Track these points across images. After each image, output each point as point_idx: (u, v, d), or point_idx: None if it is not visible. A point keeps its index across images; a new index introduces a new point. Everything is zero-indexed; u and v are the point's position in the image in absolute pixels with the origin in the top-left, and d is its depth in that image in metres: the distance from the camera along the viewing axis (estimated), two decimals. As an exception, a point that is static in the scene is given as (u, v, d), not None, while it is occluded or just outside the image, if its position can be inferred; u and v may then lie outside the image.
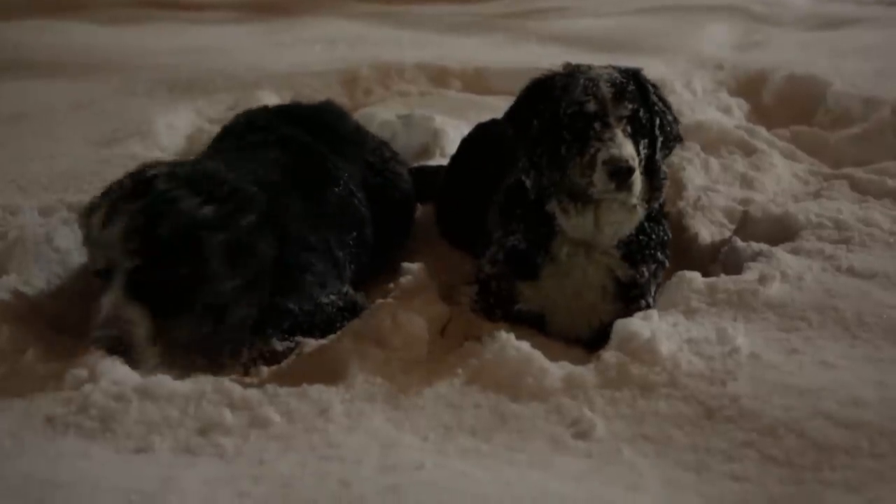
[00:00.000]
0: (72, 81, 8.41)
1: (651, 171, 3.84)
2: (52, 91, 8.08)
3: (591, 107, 3.72)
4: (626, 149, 3.64)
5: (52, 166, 5.88)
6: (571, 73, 3.87)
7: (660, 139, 3.82)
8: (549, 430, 3.11)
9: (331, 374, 3.40)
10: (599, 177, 3.65)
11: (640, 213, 3.88)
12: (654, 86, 3.93)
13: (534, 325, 4.01)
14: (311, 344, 3.76)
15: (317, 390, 3.24)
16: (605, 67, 3.86)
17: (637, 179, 3.66)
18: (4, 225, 4.65)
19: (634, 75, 3.85)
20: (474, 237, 4.51)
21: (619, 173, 3.61)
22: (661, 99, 3.93)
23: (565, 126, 3.78)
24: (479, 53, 9.57)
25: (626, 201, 3.75)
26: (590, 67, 3.87)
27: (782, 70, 8.07)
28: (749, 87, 8.08)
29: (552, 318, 4.02)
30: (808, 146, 6.26)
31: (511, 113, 4.06)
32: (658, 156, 3.83)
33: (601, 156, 3.64)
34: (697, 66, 8.67)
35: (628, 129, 3.72)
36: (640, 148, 3.75)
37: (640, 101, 3.78)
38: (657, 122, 3.81)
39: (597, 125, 3.71)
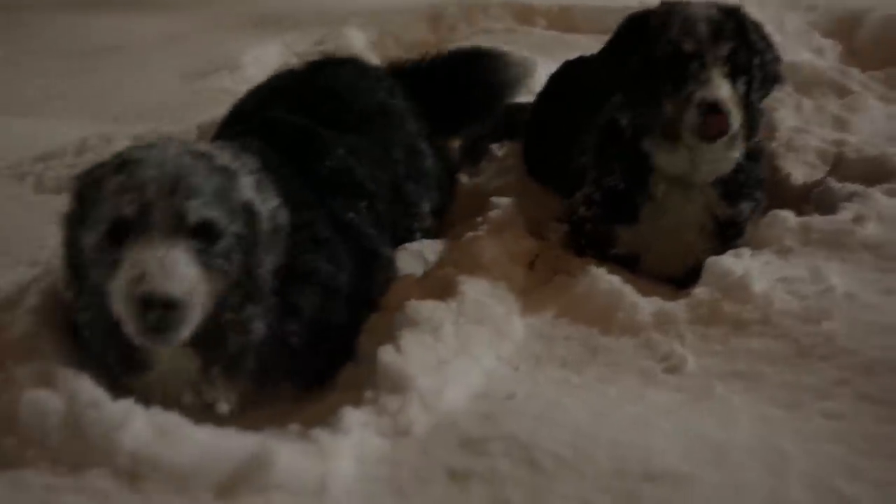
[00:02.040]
0: (162, 16, 8.56)
1: (747, 109, 3.77)
2: (143, 25, 8.24)
3: (688, 46, 3.65)
4: (722, 91, 3.58)
5: (144, 97, 6.03)
6: (668, 11, 3.81)
7: (757, 78, 3.76)
8: (640, 364, 3.13)
9: (439, 292, 3.43)
10: (692, 119, 3.60)
11: (738, 150, 3.81)
12: (755, 23, 3.84)
13: (627, 266, 3.96)
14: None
15: (428, 307, 3.26)
16: (704, 4, 3.78)
17: (734, 119, 3.60)
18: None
19: (734, 12, 3.76)
20: (560, 175, 4.49)
21: (714, 116, 3.57)
22: (763, 37, 3.84)
23: (661, 65, 3.72)
24: (565, -9, 9.46)
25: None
26: (688, 4, 3.80)
27: (878, 11, 7.82)
28: (842, 29, 7.87)
29: (647, 260, 3.97)
30: (904, 89, 6.12)
31: (607, 50, 4.01)
32: (754, 95, 3.77)
33: (695, 98, 3.59)
34: (789, 7, 8.46)
35: (726, 69, 3.65)
36: (738, 86, 3.68)
37: (738, 40, 3.70)
38: (755, 60, 3.74)
39: (693, 66, 3.65)
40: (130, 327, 2.68)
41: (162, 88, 6.27)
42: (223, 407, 3.01)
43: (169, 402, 2.93)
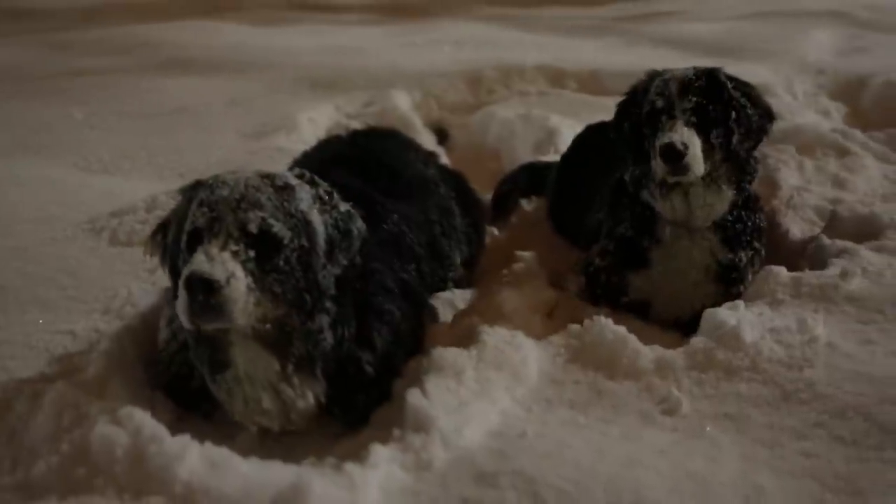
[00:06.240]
0: (226, 79, 8.76)
1: (732, 159, 3.95)
2: (208, 87, 8.44)
3: (660, 103, 3.89)
4: (678, 135, 3.76)
5: (207, 156, 6.22)
6: (652, 77, 4.05)
7: (738, 131, 3.91)
8: (640, 406, 3.26)
9: (463, 340, 3.59)
10: (657, 161, 3.82)
11: (729, 195, 3.98)
12: (737, 81, 4.02)
13: (638, 312, 4.11)
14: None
15: (452, 353, 3.42)
16: (686, 68, 3.99)
17: (694, 161, 3.77)
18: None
19: (710, 73, 3.95)
20: (580, 230, 4.67)
21: (670, 156, 3.75)
22: (747, 94, 4.00)
23: (644, 123, 3.98)
24: (594, 56, 9.63)
25: (688, 182, 3.88)
26: (670, 70, 4.02)
27: (882, 75, 7.88)
28: (848, 92, 7.94)
29: (657, 304, 4.13)
30: (902, 149, 6.17)
31: (613, 119, 4.23)
32: (738, 146, 3.93)
33: (657, 142, 3.81)
34: (800, 70, 8.58)
35: (692, 119, 3.83)
36: (712, 137, 3.86)
37: (709, 96, 3.88)
38: (732, 115, 3.91)
39: (663, 118, 3.87)
40: (183, 313, 2.89)
41: (223, 148, 6.45)
42: (301, 404, 3.23)
43: (252, 406, 3.21)
